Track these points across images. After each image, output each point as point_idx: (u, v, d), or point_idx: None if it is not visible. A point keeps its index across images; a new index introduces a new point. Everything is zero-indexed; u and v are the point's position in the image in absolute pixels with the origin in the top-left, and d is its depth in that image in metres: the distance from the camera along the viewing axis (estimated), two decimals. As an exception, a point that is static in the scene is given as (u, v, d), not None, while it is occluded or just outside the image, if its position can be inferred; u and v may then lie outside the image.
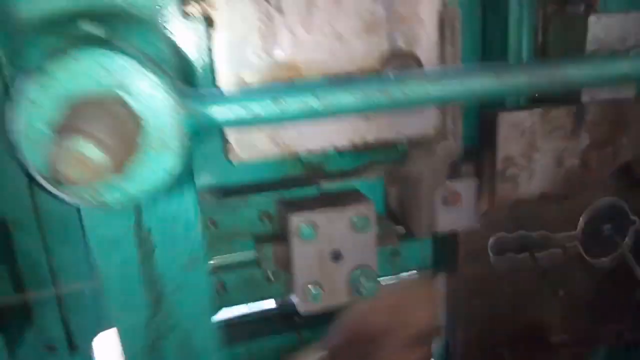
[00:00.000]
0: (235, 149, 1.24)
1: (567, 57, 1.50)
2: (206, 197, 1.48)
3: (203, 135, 1.33)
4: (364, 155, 1.54)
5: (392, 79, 0.97)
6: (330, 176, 1.59)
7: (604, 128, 1.59)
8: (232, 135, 1.24)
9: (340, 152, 1.37)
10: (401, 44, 1.27)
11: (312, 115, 0.93)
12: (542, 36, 1.62)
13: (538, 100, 1.62)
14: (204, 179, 1.46)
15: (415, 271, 1.77)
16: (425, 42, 1.29)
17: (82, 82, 0.77)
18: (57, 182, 0.65)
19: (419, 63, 1.27)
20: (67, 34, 0.85)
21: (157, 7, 0.87)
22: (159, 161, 0.83)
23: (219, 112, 0.88)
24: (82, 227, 1.47)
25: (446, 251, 1.77)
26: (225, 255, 1.55)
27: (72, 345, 1.61)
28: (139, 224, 1.09)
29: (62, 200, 1.48)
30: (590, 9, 1.52)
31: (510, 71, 1.01)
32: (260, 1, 1.17)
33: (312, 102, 0.91)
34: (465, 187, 1.61)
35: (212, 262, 1.54)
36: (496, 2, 1.57)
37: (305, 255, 1.43)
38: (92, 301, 1.58)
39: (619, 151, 1.64)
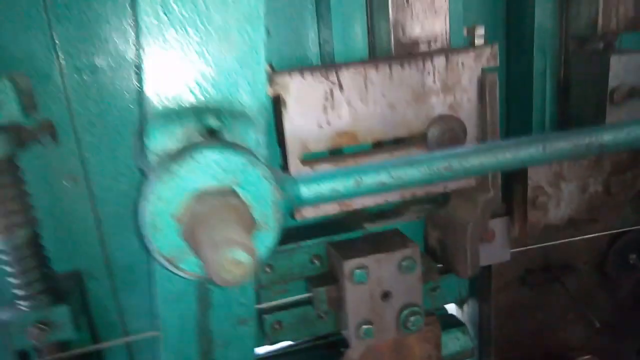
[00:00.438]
0: (303, 211, 1.36)
1: (592, 106, 1.62)
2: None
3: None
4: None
5: (451, 153, 1.10)
6: (372, 218, 1.72)
7: (624, 156, 1.72)
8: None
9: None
10: (446, 109, 1.41)
11: (385, 189, 1.06)
12: (564, 73, 1.76)
13: (563, 124, 1.76)
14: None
15: (453, 303, 1.89)
16: (467, 106, 1.43)
17: (202, 179, 0.90)
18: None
19: (462, 125, 1.40)
20: (188, 125, 0.98)
21: (261, 104, 1.00)
22: (261, 240, 0.96)
23: (307, 193, 1.01)
24: (149, 277, 1.60)
25: (481, 282, 1.90)
26: (280, 296, 1.67)
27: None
28: (202, 282, 1.20)
29: (129, 253, 1.63)
30: (610, 47, 1.65)
31: (553, 141, 1.14)
32: (324, 81, 1.30)
33: (385, 179, 1.04)
34: (499, 224, 1.75)
35: (269, 303, 1.66)
36: (520, 40, 1.72)
37: (357, 296, 1.55)
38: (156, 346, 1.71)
39: (638, 177, 1.78)
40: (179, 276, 1.13)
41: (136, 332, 1.71)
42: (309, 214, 1.38)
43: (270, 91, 1.26)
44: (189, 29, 0.96)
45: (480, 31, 1.41)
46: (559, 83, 1.77)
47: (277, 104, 1.30)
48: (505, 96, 1.82)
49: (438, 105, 1.41)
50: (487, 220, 1.59)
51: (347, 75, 1.33)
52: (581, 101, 1.72)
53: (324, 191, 1.02)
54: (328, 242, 1.66)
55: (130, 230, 1.64)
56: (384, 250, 1.56)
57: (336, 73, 1.32)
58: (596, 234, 1.87)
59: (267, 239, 0.97)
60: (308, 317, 1.69)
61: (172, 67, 0.97)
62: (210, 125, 0.99)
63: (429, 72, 1.39)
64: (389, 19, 1.42)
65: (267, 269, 1.63)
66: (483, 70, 1.42)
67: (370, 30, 1.54)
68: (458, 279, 1.85)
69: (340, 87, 1.33)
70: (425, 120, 1.41)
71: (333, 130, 1.35)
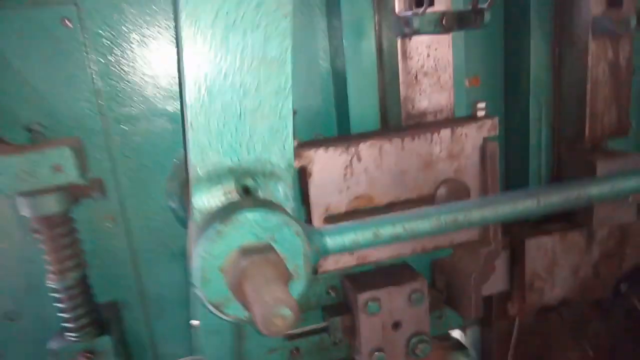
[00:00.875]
0: (324, 265, 1.52)
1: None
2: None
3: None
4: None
5: (456, 207, 1.26)
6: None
7: (612, 243, 1.90)
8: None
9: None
10: (451, 173, 1.58)
11: (399, 239, 1.21)
12: (557, 167, 1.96)
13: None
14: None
15: (457, 329, 2.04)
16: (471, 171, 1.60)
17: (245, 237, 1.06)
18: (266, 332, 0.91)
19: (466, 188, 1.57)
20: (227, 185, 1.14)
21: (288, 164, 1.16)
22: (294, 289, 1.11)
23: (331, 244, 1.17)
24: (182, 306, 1.76)
25: (483, 310, 2.05)
26: (299, 325, 1.82)
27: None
28: None
29: (160, 284, 1.78)
30: (597, 148, 1.84)
31: (546, 195, 1.30)
32: (344, 153, 1.48)
33: (399, 230, 1.20)
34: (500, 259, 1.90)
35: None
36: (516, 90, 1.88)
37: (370, 326, 1.70)
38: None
39: (623, 260, 1.96)
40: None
41: (166, 357, 1.87)
42: (329, 266, 1.54)
43: (296, 163, 1.43)
44: (228, 107, 1.11)
45: (482, 105, 1.58)
46: (553, 130, 1.94)
47: (303, 174, 1.47)
48: (504, 141, 2.00)
49: (444, 170, 1.59)
50: (489, 270, 1.74)
51: (364, 148, 1.51)
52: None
53: (346, 242, 1.18)
54: (343, 274, 1.81)
55: (161, 263, 1.80)
56: (395, 284, 1.71)
57: (355, 146, 1.50)
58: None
59: (298, 287, 1.12)
60: (324, 344, 1.83)
61: (214, 137, 1.13)
62: (246, 184, 1.14)
63: (436, 143, 1.56)
64: (399, 94, 1.60)
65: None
66: (484, 140, 1.59)
67: (382, 102, 1.72)
68: (462, 308, 2.00)
69: (358, 157, 1.51)
70: (433, 184, 1.59)
71: (352, 194, 1.53)
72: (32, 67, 1.55)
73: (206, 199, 1.14)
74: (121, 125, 1.67)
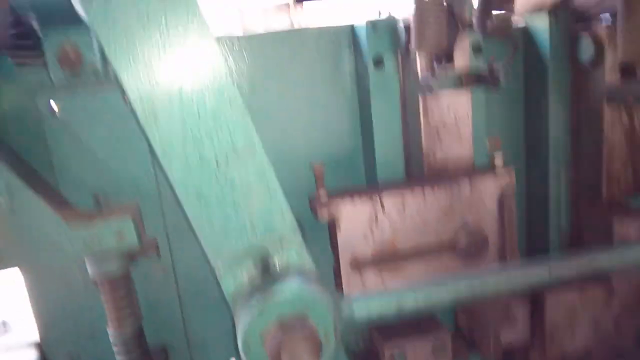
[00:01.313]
0: None
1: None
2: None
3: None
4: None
5: (474, 277, 1.38)
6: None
7: (632, 295, 1.96)
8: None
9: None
10: (470, 221, 1.70)
11: (421, 311, 1.35)
12: (576, 222, 2.05)
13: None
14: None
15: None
16: (489, 220, 1.72)
17: (286, 309, 1.21)
18: None
19: (484, 236, 1.69)
20: (247, 264, 1.29)
21: (293, 226, 1.30)
22: (324, 355, 1.26)
23: (359, 314, 1.31)
24: (226, 350, 1.93)
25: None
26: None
27: None
28: None
29: (204, 329, 1.95)
30: (614, 206, 1.91)
31: (560, 265, 1.41)
32: (370, 204, 1.62)
33: (421, 301, 1.34)
34: (520, 309, 2.00)
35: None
36: (539, 191, 2.01)
37: (396, 374, 1.83)
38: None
39: None
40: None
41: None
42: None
43: (325, 214, 1.59)
44: (223, 203, 1.25)
45: (499, 158, 1.71)
46: (572, 187, 2.03)
47: (331, 224, 1.63)
48: (525, 196, 2.10)
49: (464, 218, 1.70)
50: (509, 318, 1.84)
51: (388, 199, 1.65)
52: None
53: (371, 312, 1.33)
54: (371, 325, 1.94)
55: (207, 310, 1.97)
56: (420, 336, 1.83)
57: (380, 197, 1.64)
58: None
59: (328, 352, 1.27)
60: (352, 389, 1.97)
61: (219, 232, 1.26)
62: (263, 259, 1.30)
63: (455, 193, 1.69)
64: (422, 147, 1.74)
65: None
66: (502, 190, 1.71)
67: (406, 152, 1.86)
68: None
69: (383, 208, 1.65)
70: (453, 231, 1.71)
71: (376, 241, 1.67)
72: (96, 137, 1.75)
73: (233, 283, 1.29)
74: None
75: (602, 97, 1.84)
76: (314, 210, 1.66)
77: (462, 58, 1.69)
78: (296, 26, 3.72)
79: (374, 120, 1.84)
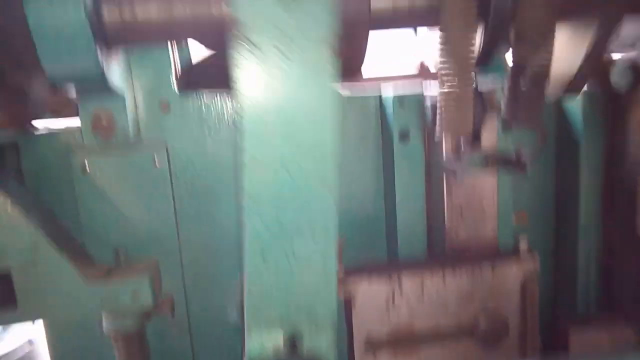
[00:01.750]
0: None
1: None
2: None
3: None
4: None
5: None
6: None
7: None
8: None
9: None
10: (490, 307, 1.65)
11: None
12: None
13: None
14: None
15: None
16: (510, 306, 1.67)
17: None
18: None
19: (505, 323, 1.64)
20: (276, 336, 1.29)
21: (332, 317, 1.30)
22: None
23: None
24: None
25: None
26: None
27: None
28: None
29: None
30: None
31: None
32: (387, 284, 1.60)
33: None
34: None
35: None
36: (567, 270, 1.95)
37: None
38: None
39: None
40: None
41: None
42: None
43: (341, 292, 1.57)
44: (281, 270, 1.27)
45: (524, 243, 1.66)
46: (602, 269, 1.96)
47: (347, 302, 1.61)
48: (552, 275, 2.05)
49: (484, 303, 1.65)
50: None
51: (407, 279, 1.62)
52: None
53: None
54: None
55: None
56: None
57: (398, 278, 1.61)
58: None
59: None
60: None
61: (268, 298, 1.28)
62: (295, 333, 1.29)
63: (477, 277, 1.65)
64: (444, 226, 1.71)
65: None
66: (525, 276, 1.66)
67: (429, 228, 1.83)
68: None
69: (400, 289, 1.62)
70: (473, 316, 1.66)
71: (393, 322, 1.64)
72: (124, 196, 1.80)
73: (258, 348, 1.29)
74: (192, 246, 1.89)
75: (636, 174, 1.77)
76: (331, 285, 1.64)
77: (490, 138, 1.66)
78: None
79: (397, 193, 1.82)
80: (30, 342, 3.04)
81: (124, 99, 1.65)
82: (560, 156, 1.98)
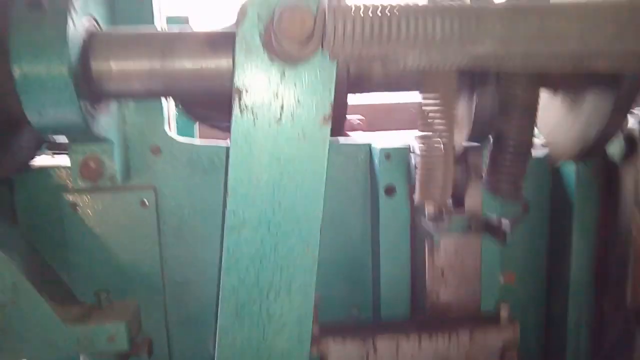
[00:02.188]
0: None
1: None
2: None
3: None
4: None
5: None
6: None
7: None
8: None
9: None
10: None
11: None
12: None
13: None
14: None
15: None
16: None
17: None
18: None
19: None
20: None
21: None
22: None
23: None
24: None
25: None
26: None
27: None
28: None
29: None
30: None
31: None
32: (361, 347, 1.58)
33: None
34: None
35: None
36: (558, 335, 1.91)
37: None
38: None
39: None
40: None
41: None
42: None
43: (314, 350, 1.55)
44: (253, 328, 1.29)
45: (505, 310, 1.62)
46: (592, 334, 1.91)
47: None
48: (544, 333, 1.99)
49: None
50: None
51: (382, 342, 1.60)
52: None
53: None
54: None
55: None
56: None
57: (372, 340, 1.59)
58: None
59: None
60: None
61: (238, 352, 1.32)
62: None
63: (454, 344, 1.61)
64: (425, 286, 1.69)
65: None
66: (504, 346, 1.62)
67: (413, 289, 1.81)
68: None
69: (375, 351, 1.59)
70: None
71: None
72: (110, 236, 1.83)
73: None
74: (177, 287, 1.91)
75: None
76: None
77: (474, 202, 1.63)
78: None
79: (381, 247, 1.80)
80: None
81: (113, 143, 1.68)
82: (553, 218, 1.94)
